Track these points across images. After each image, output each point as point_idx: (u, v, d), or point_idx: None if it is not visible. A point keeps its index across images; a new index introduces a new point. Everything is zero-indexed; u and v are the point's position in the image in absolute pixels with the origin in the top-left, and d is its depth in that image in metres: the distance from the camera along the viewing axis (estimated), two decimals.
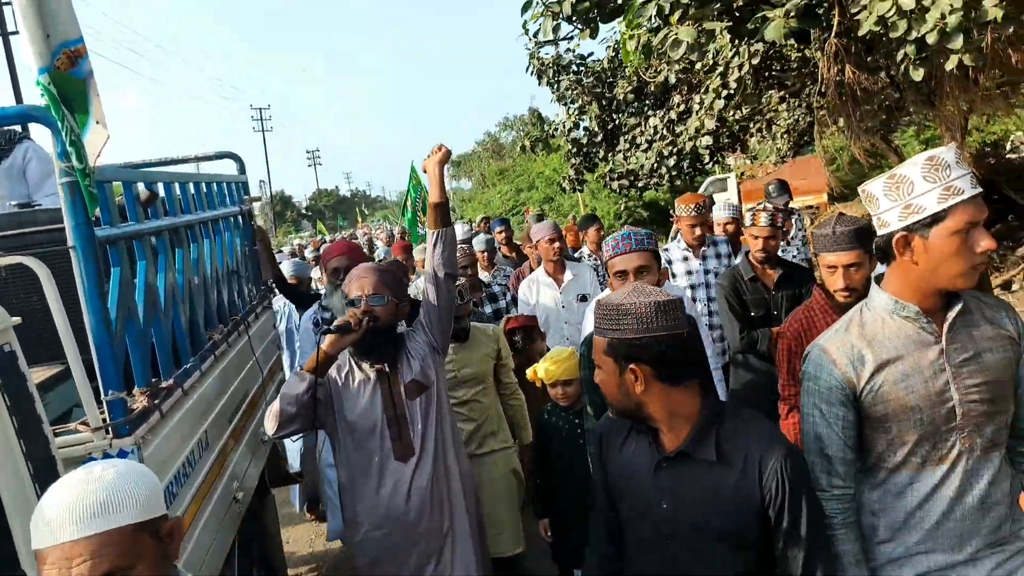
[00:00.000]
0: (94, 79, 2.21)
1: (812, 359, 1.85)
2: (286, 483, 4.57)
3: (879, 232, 1.77)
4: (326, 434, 3.06)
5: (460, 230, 8.23)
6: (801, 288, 3.74)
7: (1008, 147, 10.64)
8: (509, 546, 3.50)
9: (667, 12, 5.17)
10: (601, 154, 10.23)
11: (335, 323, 2.73)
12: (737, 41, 5.75)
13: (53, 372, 2.58)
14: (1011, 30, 4.41)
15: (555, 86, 9.76)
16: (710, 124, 7.31)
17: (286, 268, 5.45)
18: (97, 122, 2.17)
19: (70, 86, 2.13)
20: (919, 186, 1.64)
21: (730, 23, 5.53)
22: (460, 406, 3.46)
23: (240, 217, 4.38)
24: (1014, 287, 8.07)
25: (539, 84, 9.58)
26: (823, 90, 5.70)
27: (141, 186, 2.91)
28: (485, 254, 6.10)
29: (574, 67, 9.56)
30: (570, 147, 10.86)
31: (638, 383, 1.72)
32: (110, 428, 2.20)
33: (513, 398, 3.77)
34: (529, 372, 3.52)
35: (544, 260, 5.04)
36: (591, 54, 8.80)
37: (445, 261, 2.91)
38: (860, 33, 4.80)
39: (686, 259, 4.74)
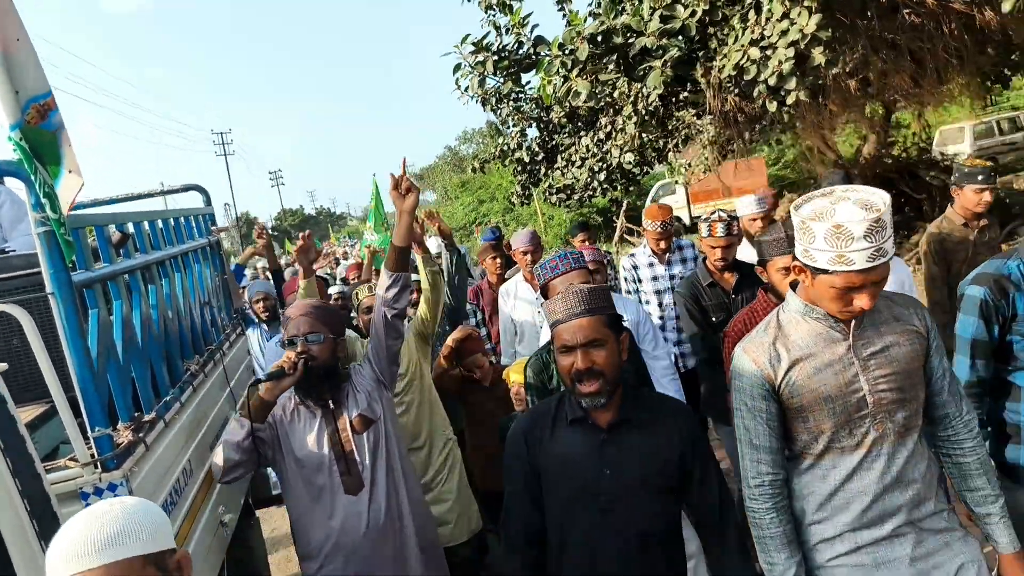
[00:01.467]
0: (65, 130, 2.32)
1: (736, 360, 2.03)
2: (270, 504, 4.66)
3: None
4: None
5: (434, 244, 8.30)
6: (759, 287, 3.72)
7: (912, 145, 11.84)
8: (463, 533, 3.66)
9: (569, 67, 6.69)
10: (543, 171, 11.39)
11: (268, 369, 2.75)
12: (632, 84, 7.04)
13: (38, 411, 2.68)
14: (834, 71, 5.91)
15: (498, 112, 10.76)
16: (628, 147, 8.47)
17: (252, 290, 5.54)
18: (70, 171, 2.27)
19: (41, 139, 2.23)
20: (818, 243, 1.79)
21: (622, 72, 6.87)
22: None
23: (208, 248, 4.48)
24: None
25: (483, 110, 10.54)
26: (712, 115, 7.05)
27: (112, 227, 3.01)
28: None
29: (513, 94, 10.23)
30: (516, 166, 11.95)
31: (624, 351, 2.05)
32: (99, 463, 2.30)
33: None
34: (504, 374, 3.63)
35: (522, 270, 5.06)
36: (528, 83, 9.15)
37: (395, 302, 2.92)
38: (722, 77, 6.18)
39: (652, 265, 4.82)
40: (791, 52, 5.48)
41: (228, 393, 3.87)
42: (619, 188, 10.90)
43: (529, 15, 7.61)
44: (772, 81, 5.71)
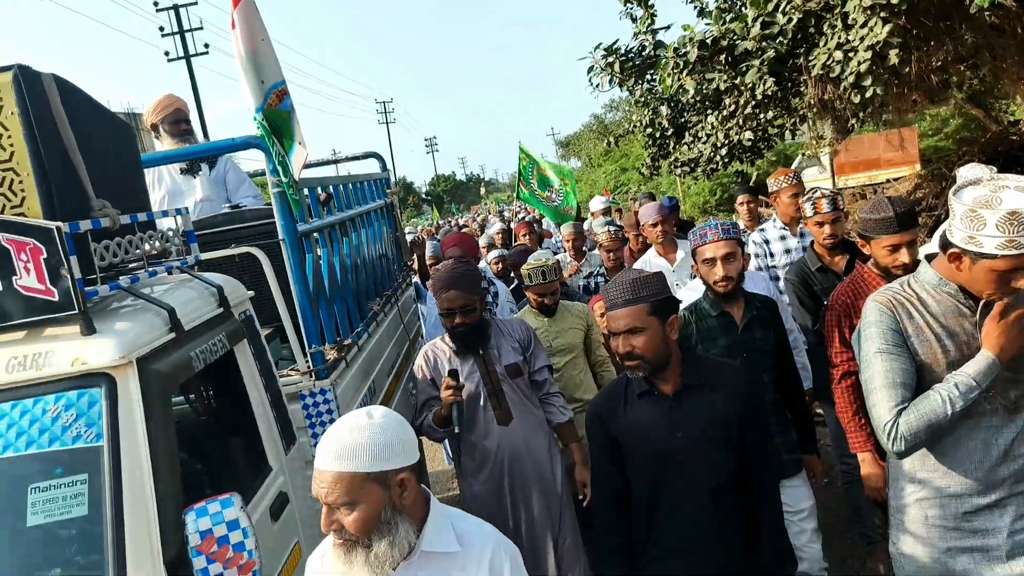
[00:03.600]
0: (295, 111, 2.94)
1: (870, 308, 2.14)
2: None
3: (945, 230, 2.01)
4: None
5: (600, 203, 8.82)
6: (857, 259, 3.48)
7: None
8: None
9: (681, 68, 8.39)
10: (672, 145, 12.22)
11: (435, 416, 3.10)
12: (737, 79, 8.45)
13: (264, 333, 3.39)
14: (907, 69, 7.10)
15: (632, 92, 11.68)
16: (747, 126, 9.82)
17: (427, 249, 6.16)
18: (300, 144, 2.90)
19: (279, 118, 2.87)
20: (988, 230, 1.84)
21: (727, 69, 8.40)
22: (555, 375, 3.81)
23: (385, 208, 5.16)
24: None
25: (620, 91, 11.43)
26: (811, 103, 8.42)
27: (319, 190, 3.68)
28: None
29: (648, 76, 10.90)
30: (647, 140, 12.89)
31: (674, 331, 2.28)
32: (313, 373, 2.96)
33: (603, 368, 4.01)
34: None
35: (652, 242, 5.08)
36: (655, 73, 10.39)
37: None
38: (812, 74, 7.47)
39: (783, 238, 4.72)
40: (868, 55, 6.54)
41: (401, 330, 4.54)
42: (744, 162, 11.55)
43: (653, 18, 9.53)
44: (851, 79, 6.83)
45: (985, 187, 1.90)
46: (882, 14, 6.43)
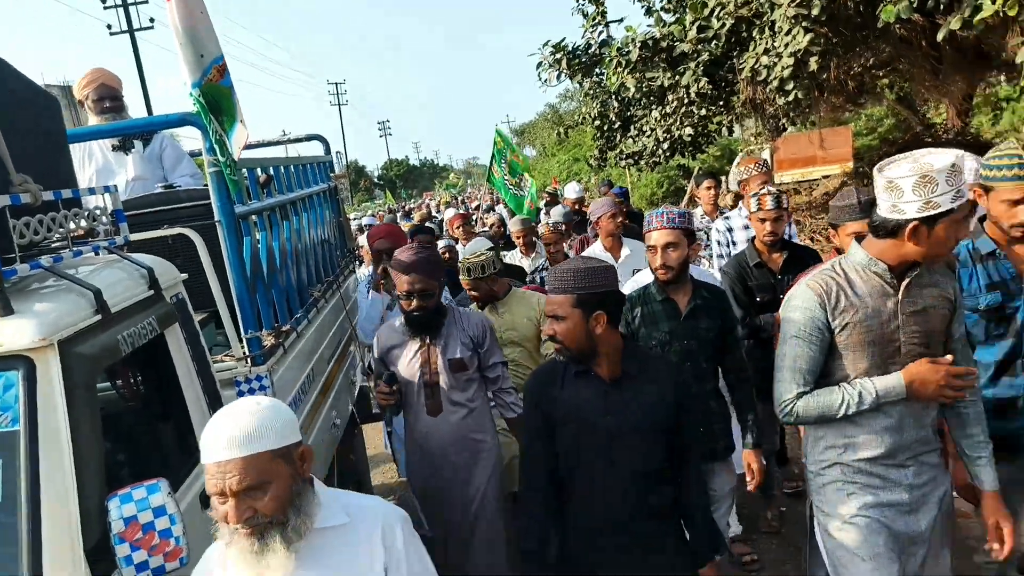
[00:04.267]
0: (234, 86, 2.86)
1: (799, 294, 2.27)
2: (371, 421, 5.27)
3: (889, 215, 2.10)
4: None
5: (574, 190, 8.78)
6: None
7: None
8: None
9: (624, 66, 9.57)
10: (618, 137, 12.93)
11: (375, 411, 3.21)
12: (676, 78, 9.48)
13: (198, 319, 3.30)
14: (823, 77, 8.17)
15: (583, 84, 12.66)
16: (687, 122, 10.59)
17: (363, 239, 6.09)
18: (240, 121, 2.82)
19: (220, 94, 2.78)
20: (941, 187, 2.00)
21: (666, 70, 9.55)
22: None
23: (328, 192, 5.07)
24: None
25: (571, 83, 12.44)
26: (742, 103, 9.45)
27: (259, 171, 3.58)
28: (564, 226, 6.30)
29: (596, 71, 11.93)
30: (595, 132, 13.58)
31: (599, 326, 2.30)
32: (249, 359, 2.90)
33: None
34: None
35: (602, 235, 5.11)
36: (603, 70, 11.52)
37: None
38: (742, 76, 8.40)
39: (747, 227, 4.65)
40: (791, 61, 7.36)
41: (343, 316, 4.48)
42: (685, 156, 12.34)
43: (603, 15, 10.86)
44: (776, 83, 7.67)
45: (908, 160, 2.09)
46: (804, 24, 7.22)
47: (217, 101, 2.78)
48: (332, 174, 5.27)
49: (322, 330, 3.99)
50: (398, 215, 16.30)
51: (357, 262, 5.71)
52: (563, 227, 5.97)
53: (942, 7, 6.51)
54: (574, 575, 2.42)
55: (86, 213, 2.32)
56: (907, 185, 2.05)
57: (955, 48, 8.71)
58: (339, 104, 60.50)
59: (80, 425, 1.78)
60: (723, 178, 8.79)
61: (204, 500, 2.32)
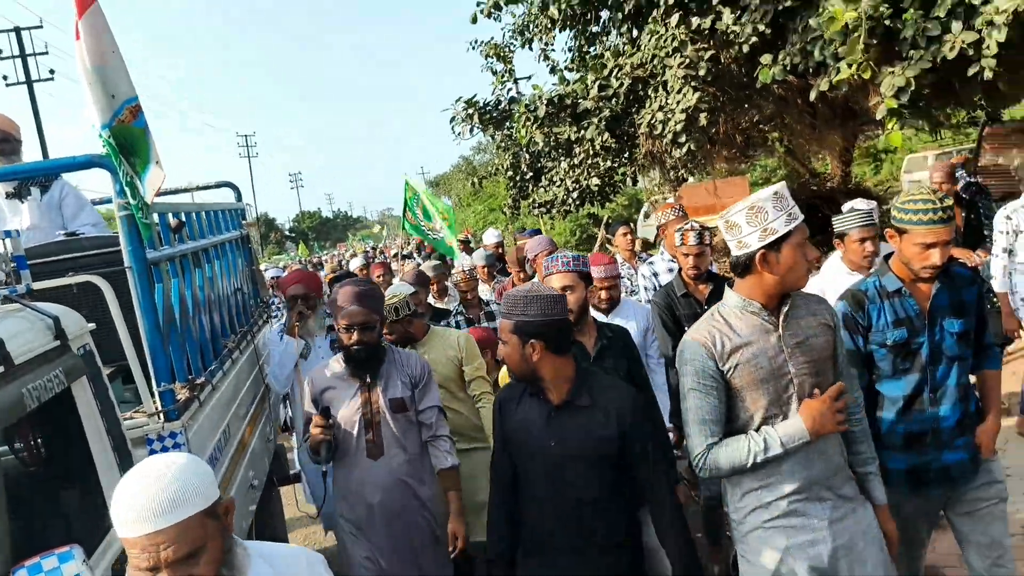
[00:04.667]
0: (149, 128, 2.73)
1: (687, 347, 2.31)
2: (288, 483, 4.99)
3: (738, 252, 2.22)
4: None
5: (493, 236, 8.88)
6: None
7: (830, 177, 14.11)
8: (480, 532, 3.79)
9: (532, 121, 10.29)
10: (530, 187, 13.74)
11: (310, 447, 3.02)
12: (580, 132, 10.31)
13: (106, 372, 3.07)
14: (712, 131, 9.08)
15: (495, 138, 13.49)
16: (593, 173, 11.37)
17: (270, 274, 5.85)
18: (156, 163, 2.68)
19: (132, 135, 2.64)
20: (771, 215, 2.13)
21: (571, 124, 10.35)
22: None
23: (241, 240, 4.88)
24: None
25: (484, 135, 13.16)
26: (643, 155, 10.31)
27: (170, 216, 3.41)
28: (486, 269, 6.47)
29: (507, 125, 12.64)
30: (508, 182, 14.32)
31: (535, 353, 2.36)
32: (162, 414, 2.70)
33: (481, 401, 3.76)
34: (500, 377, 3.81)
35: (538, 275, 4.76)
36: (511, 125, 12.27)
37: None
38: (641, 131, 9.12)
39: (671, 270, 4.79)
40: (683, 116, 8.13)
41: (258, 370, 4.27)
42: (594, 204, 13.07)
43: (511, 73, 12.06)
44: (670, 137, 8.42)
45: (741, 201, 2.23)
46: (692, 84, 8.15)
47: (130, 143, 2.65)
48: (244, 221, 5.09)
49: (237, 384, 3.79)
50: (307, 267, 16.09)
51: (275, 312, 5.48)
52: (477, 271, 6.00)
53: (811, 70, 7.22)
54: None
55: None
56: (741, 220, 2.20)
57: (828, 105, 9.62)
58: (249, 156, 59.31)
59: None
60: (631, 225, 9.19)
61: (117, 571, 2.12)
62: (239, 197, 5.28)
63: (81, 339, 2.39)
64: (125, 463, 2.43)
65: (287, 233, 63.04)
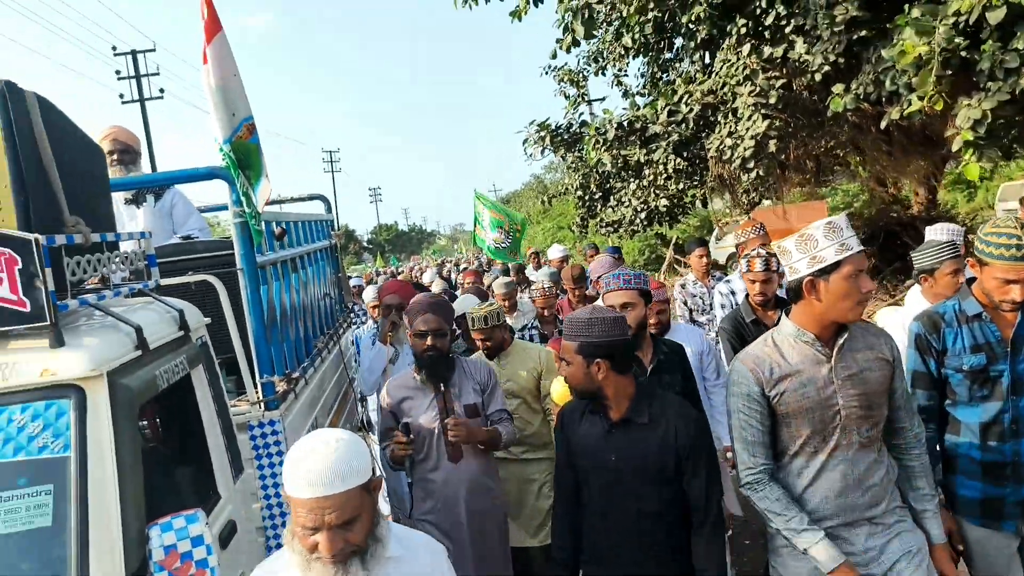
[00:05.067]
0: (261, 145, 3.02)
1: (736, 370, 2.39)
2: None
3: (790, 277, 2.26)
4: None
5: (558, 251, 9.13)
6: None
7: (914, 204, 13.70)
8: (527, 538, 3.84)
9: (601, 144, 10.89)
10: (599, 207, 14.07)
11: (392, 457, 3.16)
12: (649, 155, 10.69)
13: None
14: (782, 156, 9.19)
15: (565, 158, 13.92)
16: (662, 195, 11.78)
17: (370, 292, 6.07)
18: (266, 176, 2.96)
19: (247, 151, 2.93)
20: (821, 243, 2.16)
21: (640, 147, 10.81)
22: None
23: (330, 249, 5.20)
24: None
25: (555, 156, 13.70)
26: (712, 179, 10.75)
27: (275, 224, 3.71)
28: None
29: (577, 147, 13.21)
30: (577, 201, 14.65)
31: (600, 372, 2.47)
32: (263, 403, 2.97)
33: (553, 415, 3.85)
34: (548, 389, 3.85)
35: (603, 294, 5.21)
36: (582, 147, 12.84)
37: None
38: (711, 155, 9.52)
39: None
40: (752, 143, 8.34)
41: (341, 369, 4.55)
42: (662, 224, 13.39)
43: (584, 96, 12.87)
44: (738, 162, 8.67)
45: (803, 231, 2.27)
46: (763, 111, 8.33)
47: (245, 157, 2.93)
48: (332, 231, 5.41)
49: (324, 381, 4.06)
50: (388, 278, 16.82)
51: (354, 318, 5.79)
52: (552, 287, 6.12)
53: (884, 99, 7.13)
54: None
55: (124, 256, 2.43)
56: (791, 246, 2.26)
57: (904, 133, 9.56)
58: (332, 171, 61.28)
59: (124, 454, 1.85)
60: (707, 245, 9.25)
61: (223, 540, 2.37)
62: (329, 208, 5.62)
63: (199, 331, 2.67)
64: (231, 446, 2.70)
65: (365, 244, 64.58)
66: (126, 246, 2.57)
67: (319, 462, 1.61)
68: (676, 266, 16.84)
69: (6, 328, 1.85)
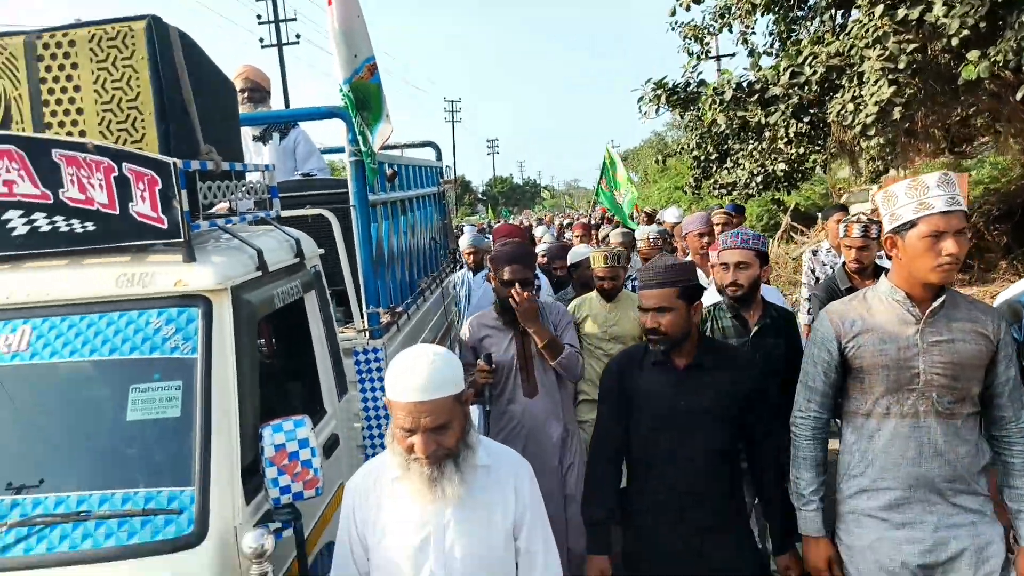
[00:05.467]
0: (382, 86, 3.15)
1: (819, 318, 2.40)
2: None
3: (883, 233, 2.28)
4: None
5: (674, 214, 9.28)
6: None
7: None
8: None
9: (717, 105, 10.37)
10: (714, 169, 13.71)
11: (472, 386, 3.21)
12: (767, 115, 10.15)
13: None
14: (907, 125, 8.86)
15: (683, 117, 13.68)
16: (780, 159, 11.36)
17: (466, 239, 6.28)
18: (386, 117, 3.10)
19: (368, 91, 3.07)
20: (901, 200, 2.13)
21: (759, 109, 10.22)
22: (607, 359, 4.09)
23: (437, 196, 5.37)
24: None
25: (671, 114, 13.57)
26: (833, 144, 10.31)
27: (387, 166, 3.89)
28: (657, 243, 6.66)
29: (694, 106, 12.82)
30: (692, 162, 14.32)
31: (696, 316, 2.56)
32: (368, 332, 3.16)
33: None
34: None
35: (692, 253, 5.05)
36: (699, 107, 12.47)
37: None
38: (830, 120, 9.21)
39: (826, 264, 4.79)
40: (875, 109, 7.95)
41: (442, 311, 4.74)
42: (780, 190, 12.95)
43: (708, 54, 12.59)
44: (859, 128, 8.27)
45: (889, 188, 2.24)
46: (889, 76, 7.81)
47: (365, 98, 3.08)
48: (442, 179, 5.57)
49: (425, 318, 4.25)
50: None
51: (458, 265, 5.97)
52: (659, 241, 6.10)
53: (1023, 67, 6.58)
54: (641, 551, 2.61)
55: (250, 186, 2.64)
56: (880, 202, 2.23)
57: None
58: (452, 121, 61.83)
59: (243, 360, 2.05)
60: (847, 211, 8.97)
61: (326, 450, 2.58)
62: (439, 156, 5.77)
63: (313, 260, 2.87)
64: (338, 368, 2.91)
65: (480, 196, 65.09)
66: (252, 177, 2.78)
67: (418, 371, 1.77)
68: (792, 233, 16.24)
69: (145, 242, 2.07)
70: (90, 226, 2.07)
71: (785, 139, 10.53)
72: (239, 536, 1.84)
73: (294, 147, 4.49)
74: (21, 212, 2.08)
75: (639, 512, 2.62)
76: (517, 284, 3.29)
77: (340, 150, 5.28)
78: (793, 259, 11.27)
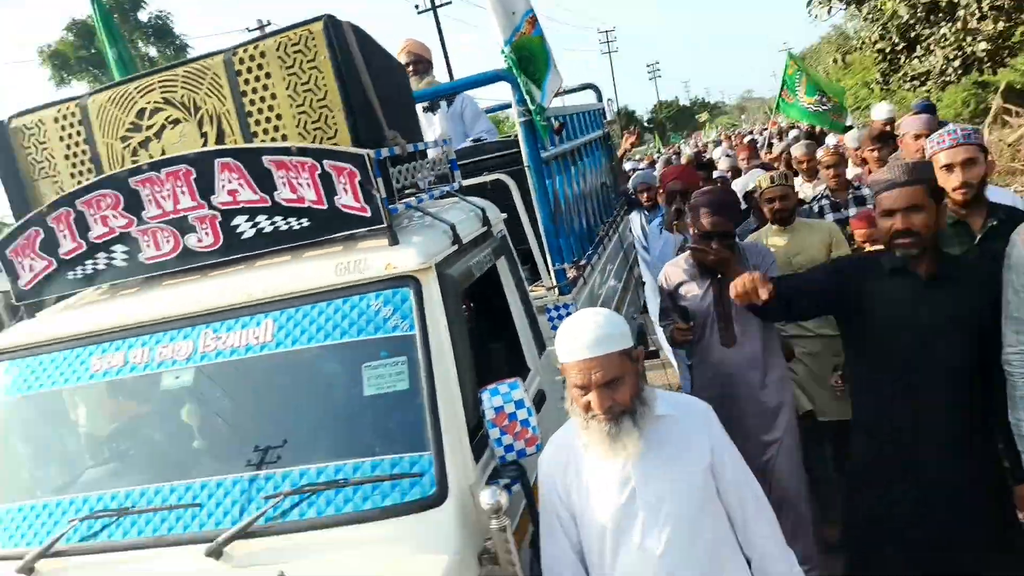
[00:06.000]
0: (545, 35, 3.14)
1: (1015, 244, 2.18)
2: (649, 358, 5.47)
3: None
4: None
5: (885, 110, 8.17)
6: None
7: None
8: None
9: None
10: (902, 60, 12.25)
11: (671, 341, 3.36)
12: None
13: None
14: None
15: (860, 10, 12.59)
16: (981, 37, 9.89)
17: (637, 179, 6.12)
18: (555, 68, 3.09)
19: (531, 46, 3.08)
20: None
21: None
22: None
23: (603, 139, 5.31)
24: None
25: (845, 10, 12.62)
26: None
27: (553, 119, 3.89)
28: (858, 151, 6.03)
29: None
30: (876, 55, 12.94)
31: (942, 217, 2.39)
32: (557, 288, 3.23)
33: None
34: None
35: (907, 155, 4.35)
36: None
37: None
38: None
39: None
40: None
41: (621, 255, 4.73)
42: (983, 72, 11.50)
43: None
44: None
45: None
46: None
47: (530, 53, 3.08)
48: (605, 120, 5.50)
49: (607, 266, 4.27)
50: (670, 160, 15.72)
51: (628, 206, 5.88)
52: (844, 150, 5.59)
53: None
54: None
55: (432, 162, 2.75)
56: None
57: None
58: (609, 52, 59.93)
59: (455, 332, 2.18)
60: None
61: (536, 405, 2.69)
62: (600, 97, 5.69)
63: (498, 226, 2.96)
64: (534, 326, 3.01)
65: (645, 125, 62.63)
66: (431, 153, 2.90)
67: (586, 329, 1.87)
68: (1007, 116, 14.31)
69: (354, 231, 2.23)
70: (305, 222, 2.27)
71: (979, 15, 9.32)
72: (475, 494, 1.98)
73: (461, 111, 4.61)
74: (247, 217, 2.32)
75: (874, 430, 2.51)
76: (717, 238, 3.10)
77: (503, 107, 5.40)
78: (1008, 145, 10.01)
